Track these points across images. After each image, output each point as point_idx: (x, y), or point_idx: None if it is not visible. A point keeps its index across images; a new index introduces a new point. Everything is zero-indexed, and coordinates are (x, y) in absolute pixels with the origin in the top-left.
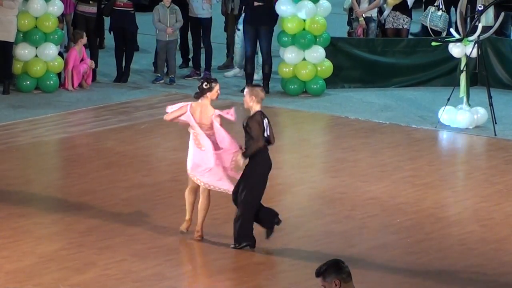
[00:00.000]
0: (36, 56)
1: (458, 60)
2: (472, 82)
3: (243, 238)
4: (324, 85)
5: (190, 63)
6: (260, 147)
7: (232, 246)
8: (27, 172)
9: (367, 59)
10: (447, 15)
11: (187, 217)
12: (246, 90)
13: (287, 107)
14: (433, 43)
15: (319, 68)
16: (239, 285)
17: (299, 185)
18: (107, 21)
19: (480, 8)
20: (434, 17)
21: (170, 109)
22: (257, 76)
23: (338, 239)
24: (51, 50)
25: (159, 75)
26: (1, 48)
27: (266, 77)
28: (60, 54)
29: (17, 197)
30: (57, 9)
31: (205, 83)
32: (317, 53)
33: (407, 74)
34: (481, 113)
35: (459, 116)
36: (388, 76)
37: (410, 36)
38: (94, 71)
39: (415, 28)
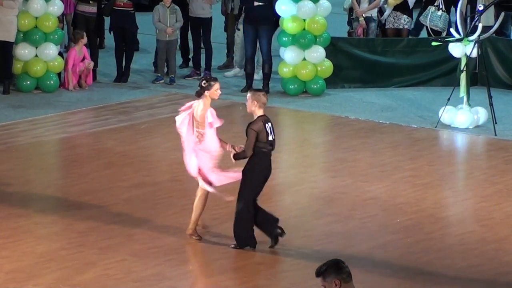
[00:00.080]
0: (36, 56)
1: (458, 60)
2: (472, 82)
3: (243, 240)
4: (324, 85)
5: (190, 63)
6: (247, 157)
7: (232, 246)
8: (27, 172)
9: (367, 59)
10: (447, 15)
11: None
12: (248, 95)
13: (287, 107)
14: (433, 43)
15: (319, 68)
16: (239, 285)
17: (299, 185)
18: (107, 21)
19: (480, 8)
20: (434, 17)
21: (178, 119)
22: (257, 76)
23: (338, 239)
24: (51, 50)
25: (159, 75)
26: (1, 48)
27: (266, 77)
28: (60, 54)
29: (17, 197)
30: (57, 9)
31: (204, 81)
32: (317, 53)
33: (407, 74)
34: (481, 113)
35: (459, 116)
36: (388, 76)
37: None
38: (94, 71)
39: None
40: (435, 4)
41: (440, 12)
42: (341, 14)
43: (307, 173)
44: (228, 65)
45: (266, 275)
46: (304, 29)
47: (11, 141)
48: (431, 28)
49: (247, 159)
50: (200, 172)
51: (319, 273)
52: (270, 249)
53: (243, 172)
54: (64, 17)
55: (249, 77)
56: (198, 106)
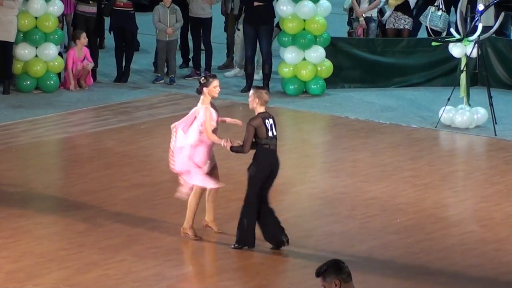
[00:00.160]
0: (36, 56)
1: (458, 60)
2: (472, 82)
3: (243, 236)
4: (324, 85)
5: (190, 63)
6: (242, 153)
7: (232, 246)
8: (27, 172)
9: (367, 59)
10: (447, 15)
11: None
12: (251, 92)
13: (287, 107)
14: (433, 43)
15: (319, 68)
16: (239, 285)
17: (299, 185)
18: (107, 21)
19: (480, 8)
20: (434, 17)
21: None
22: (257, 76)
23: (338, 239)
24: (51, 50)
25: (159, 75)
26: (1, 48)
27: (266, 77)
28: (60, 54)
29: (17, 197)
30: (57, 9)
31: (203, 77)
32: (317, 53)
33: (407, 74)
34: (481, 113)
35: (459, 116)
36: (388, 76)
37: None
38: (94, 71)
39: None
40: (435, 4)
41: (440, 12)
42: (341, 14)
43: (307, 173)
44: (228, 65)
45: (266, 275)
46: (304, 29)
47: (11, 141)
48: (431, 28)
49: (252, 157)
50: (186, 170)
51: (319, 273)
52: (270, 249)
53: (247, 170)
54: (64, 17)
55: (249, 77)
56: (199, 108)
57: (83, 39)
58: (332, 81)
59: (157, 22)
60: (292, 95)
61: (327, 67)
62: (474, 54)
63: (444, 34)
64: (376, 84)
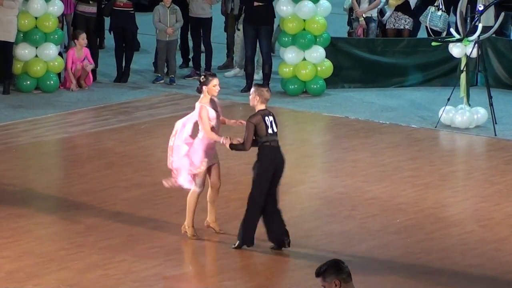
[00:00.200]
0: (36, 56)
1: (458, 60)
2: (472, 82)
3: (243, 234)
4: (324, 85)
5: (190, 63)
6: (243, 150)
7: (232, 246)
8: (27, 172)
9: (367, 59)
10: (447, 15)
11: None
12: (252, 89)
13: (287, 107)
14: (433, 43)
15: (319, 68)
16: (239, 285)
17: (299, 185)
18: (107, 21)
19: (480, 8)
20: (434, 17)
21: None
22: (257, 76)
23: (338, 239)
24: (51, 50)
25: (159, 75)
26: (1, 48)
27: (266, 77)
28: (60, 54)
29: (17, 197)
30: (57, 9)
31: (202, 76)
32: (317, 53)
33: (407, 74)
34: (481, 113)
35: (459, 116)
36: (388, 76)
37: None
38: (94, 71)
39: None
40: (435, 4)
41: (440, 12)
42: (341, 14)
43: (307, 173)
44: (228, 65)
45: (266, 275)
46: (304, 29)
47: (11, 141)
48: (431, 28)
49: (256, 156)
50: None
51: (319, 273)
52: (270, 249)
53: (252, 169)
54: (64, 17)
55: (249, 77)
56: (196, 106)
57: (82, 40)
58: (332, 81)
59: (157, 22)
60: (292, 95)
61: (327, 67)
62: (474, 54)
63: (444, 34)
64: (376, 84)
